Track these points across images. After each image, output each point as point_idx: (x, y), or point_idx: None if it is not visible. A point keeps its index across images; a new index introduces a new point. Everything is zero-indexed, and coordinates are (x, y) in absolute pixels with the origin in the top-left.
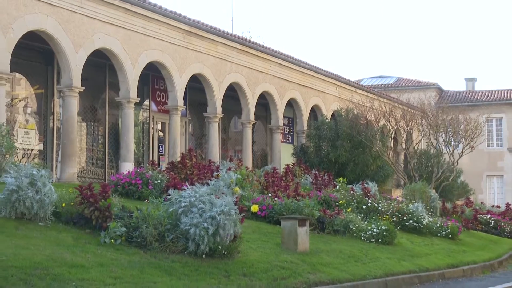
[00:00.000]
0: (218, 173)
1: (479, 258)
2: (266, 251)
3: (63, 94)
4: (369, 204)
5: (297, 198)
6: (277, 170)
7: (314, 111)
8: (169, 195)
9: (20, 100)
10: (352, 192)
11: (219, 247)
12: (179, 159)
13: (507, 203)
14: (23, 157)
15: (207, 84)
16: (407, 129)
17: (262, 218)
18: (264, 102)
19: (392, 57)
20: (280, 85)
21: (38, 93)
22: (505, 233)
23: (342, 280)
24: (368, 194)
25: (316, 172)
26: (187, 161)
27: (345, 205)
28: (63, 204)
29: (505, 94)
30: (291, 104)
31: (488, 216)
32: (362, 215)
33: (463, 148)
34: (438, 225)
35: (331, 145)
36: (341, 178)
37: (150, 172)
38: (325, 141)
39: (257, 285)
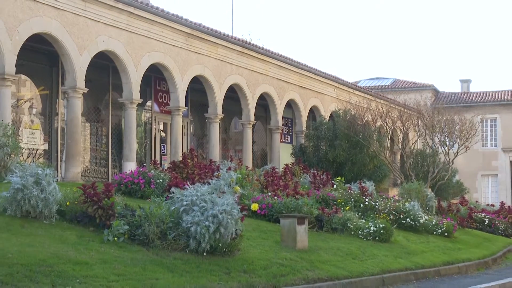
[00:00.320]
0: (219, 172)
1: (474, 255)
2: (266, 248)
3: (68, 95)
4: (366, 203)
5: (296, 197)
6: (276, 170)
7: (313, 112)
8: (172, 192)
9: (25, 101)
10: (349, 191)
11: (220, 244)
12: (180, 158)
13: (501, 201)
14: (28, 157)
15: (208, 85)
16: (404, 129)
17: (262, 217)
18: (264, 103)
19: (389, 59)
20: (279, 86)
21: (43, 94)
22: (499, 231)
23: (340, 277)
24: (366, 193)
25: (315, 171)
26: (189, 160)
27: (343, 203)
28: (68, 203)
29: (499, 95)
30: (290, 105)
31: (483, 214)
32: (359, 213)
33: (458, 148)
34: (433, 223)
35: (329, 145)
36: (339, 177)
37: (152, 171)
38: (323, 141)
39: (257, 282)
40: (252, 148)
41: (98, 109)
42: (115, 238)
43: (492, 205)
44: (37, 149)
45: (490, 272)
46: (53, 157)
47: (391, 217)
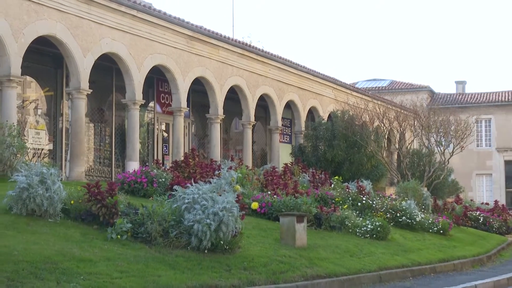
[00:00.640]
0: (220, 171)
1: (469, 253)
2: (266, 246)
3: (72, 96)
4: (364, 202)
5: (295, 195)
6: (276, 169)
7: (312, 113)
8: (174, 191)
9: (30, 102)
10: (347, 190)
11: (221, 242)
12: (182, 158)
13: (495, 200)
14: (33, 157)
15: (209, 86)
16: (400, 129)
17: (262, 215)
18: (264, 104)
19: (386, 61)
20: (279, 87)
21: (48, 95)
22: (494, 229)
23: (338, 274)
24: (363, 192)
25: (313, 170)
26: (190, 160)
27: (341, 202)
28: (72, 201)
29: (494, 96)
30: (290, 106)
31: (478, 212)
32: (357, 211)
33: (453, 148)
34: (429, 221)
35: (328, 145)
36: (337, 177)
37: (154, 170)
38: (322, 141)
39: (257, 279)
40: (252, 148)
41: (101, 109)
42: (119, 236)
43: (487, 204)
44: (42, 149)
45: (485, 269)
46: (58, 157)
47: (388, 215)
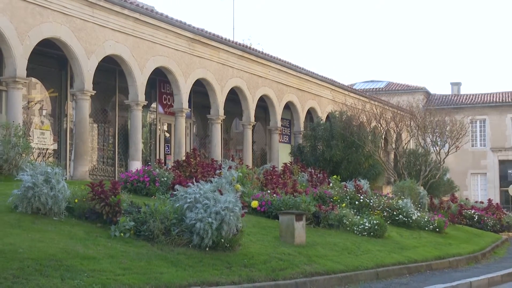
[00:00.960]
0: (221, 171)
1: (464, 250)
2: (265, 244)
3: (76, 97)
4: (361, 200)
5: (294, 194)
6: (275, 169)
7: (310, 113)
8: (176, 190)
9: (36, 103)
10: (345, 188)
11: (222, 240)
12: (184, 158)
13: (490, 199)
14: (38, 156)
15: (210, 88)
16: (397, 130)
17: (262, 213)
18: (264, 105)
19: (383, 63)
20: (278, 89)
21: (52, 96)
22: (488, 227)
23: (336, 271)
24: (360, 191)
25: (312, 170)
26: (192, 160)
27: (339, 201)
28: (76, 200)
29: (488, 97)
30: (289, 107)
31: (472, 211)
32: (354, 210)
33: (449, 148)
34: (425, 219)
35: (326, 145)
36: (335, 176)
37: (157, 170)
38: (320, 141)
39: (257, 276)
40: (252, 148)
41: (105, 110)
42: (122, 234)
43: (481, 202)
44: (47, 149)
45: (480, 266)
46: (62, 156)
47: (385, 213)
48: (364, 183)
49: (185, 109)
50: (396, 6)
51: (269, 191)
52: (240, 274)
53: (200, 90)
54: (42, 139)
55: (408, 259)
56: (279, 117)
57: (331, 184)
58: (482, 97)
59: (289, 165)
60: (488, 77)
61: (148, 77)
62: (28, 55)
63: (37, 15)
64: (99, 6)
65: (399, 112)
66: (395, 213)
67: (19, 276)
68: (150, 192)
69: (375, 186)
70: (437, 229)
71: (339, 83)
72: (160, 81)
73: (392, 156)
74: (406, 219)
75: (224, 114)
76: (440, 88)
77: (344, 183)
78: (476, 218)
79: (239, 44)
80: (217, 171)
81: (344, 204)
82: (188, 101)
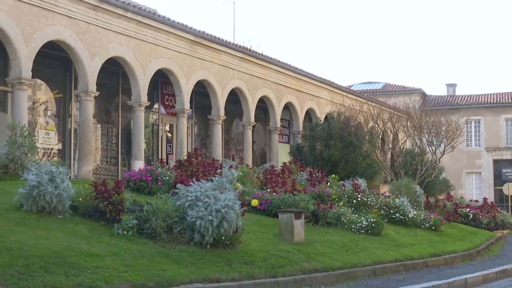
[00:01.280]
0: (221, 170)
1: (459, 248)
2: (265, 241)
3: (80, 98)
4: (359, 199)
5: (293, 193)
6: (275, 168)
7: (309, 114)
8: (178, 189)
9: (41, 104)
10: (343, 187)
11: (223, 238)
12: (185, 157)
13: (484, 197)
14: (43, 156)
15: (211, 89)
16: (394, 130)
17: (262, 212)
18: (263, 106)
19: (380, 65)
20: (277, 90)
21: (57, 97)
22: (483, 225)
23: (334, 268)
24: (358, 190)
25: (311, 169)
26: (193, 159)
27: (337, 199)
28: (80, 199)
29: (483, 98)
30: (288, 107)
31: (467, 209)
32: (352, 208)
33: (444, 148)
34: (422, 217)
35: (324, 145)
36: (333, 175)
37: (159, 169)
38: (319, 141)
39: (257, 273)
40: (252, 148)
41: (108, 111)
42: (125, 232)
43: (476, 201)
44: (52, 149)
45: (474, 264)
46: (67, 156)
47: (382, 212)
48: (361, 182)
49: (187, 110)
50: (393, 9)
51: (268, 190)
52: (240, 271)
53: (201, 91)
54: (47, 139)
55: (404, 257)
56: (278, 117)
57: (329, 183)
58: (477, 98)
59: (288, 164)
60: (483, 79)
61: (150, 78)
62: (33, 57)
63: (42, 18)
64: (102, 9)
65: (395, 112)
66: (392, 211)
67: (24, 273)
68: (152, 191)
69: (373, 185)
70: (433, 227)
71: (337, 85)
72: (162, 83)
73: (389, 155)
74: (402, 217)
75: (225, 115)
76: (436, 89)
77: (342, 182)
78: (471, 216)
79: (240, 47)
80: (218, 171)
81: (342, 203)
82: (190, 102)
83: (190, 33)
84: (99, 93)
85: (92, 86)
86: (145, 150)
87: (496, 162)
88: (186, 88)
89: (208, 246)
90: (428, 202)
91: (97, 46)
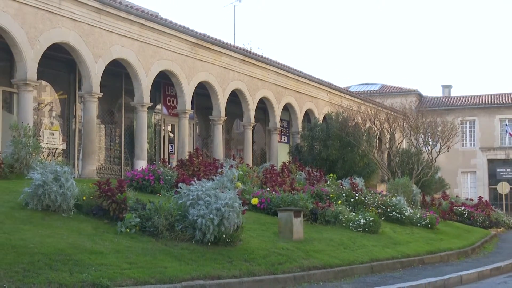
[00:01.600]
0: (222, 169)
1: (454, 245)
2: (265, 239)
3: (84, 99)
4: (356, 197)
5: (293, 192)
6: (274, 167)
7: (308, 115)
8: (180, 188)
9: (45, 105)
10: (341, 186)
11: (223, 235)
12: (187, 157)
13: (479, 196)
14: (48, 156)
15: (212, 90)
16: (390, 130)
17: (261, 210)
18: (263, 106)
19: (377, 66)
20: (277, 91)
21: (61, 98)
22: (478, 223)
23: (332, 265)
24: (356, 189)
25: (309, 169)
26: (194, 159)
27: (335, 198)
28: (84, 197)
29: (478, 99)
30: (287, 108)
31: (463, 208)
32: (350, 207)
33: (440, 148)
34: (418, 216)
35: (323, 144)
36: (331, 174)
37: (161, 169)
38: (317, 141)
39: (257, 270)
40: (252, 148)
41: (112, 112)
42: (128, 230)
43: (471, 200)
44: (56, 149)
45: (469, 261)
46: (71, 156)
47: (379, 210)
48: (359, 181)
49: (188, 111)
50: (390, 13)
51: (268, 189)
52: (241, 268)
53: (203, 92)
54: (52, 139)
55: (401, 254)
56: (278, 118)
57: (327, 182)
58: (472, 99)
59: (287, 164)
60: (478, 80)
61: (153, 80)
62: (38, 59)
63: (47, 21)
64: (106, 12)
65: (392, 113)
66: (389, 209)
67: (29, 270)
68: (154, 189)
69: (370, 184)
70: (429, 225)
71: (335, 86)
72: (164, 84)
73: (386, 155)
74: (399, 216)
75: (226, 115)
76: (431, 90)
77: (340, 181)
78: (466, 214)
79: (240, 49)
80: (219, 170)
81: (340, 201)
82: (191, 103)
83: (191, 35)
84: (102, 94)
85: (96, 87)
86: (147, 150)
87: (490, 161)
88: (187, 89)
89: (209, 244)
90: (424, 201)
91: (100, 48)
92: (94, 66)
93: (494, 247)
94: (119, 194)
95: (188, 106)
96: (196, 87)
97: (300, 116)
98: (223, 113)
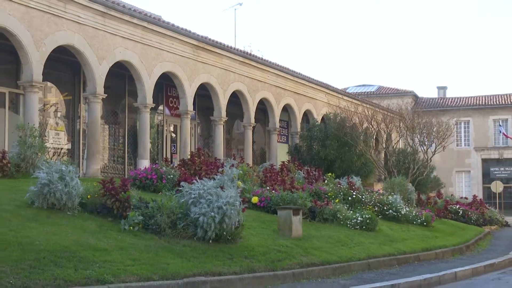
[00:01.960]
0: (223, 169)
1: (449, 242)
2: (265, 236)
3: (88, 100)
4: (354, 196)
5: (292, 190)
6: (274, 167)
7: (306, 115)
8: (182, 187)
9: (51, 106)
10: (339, 185)
11: (224, 233)
12: (189, 157)
13: (474, 195)
14: (53, 155)
15: (214, 91)
16: (387, 130)
17: (261, 208)
18: (263, 107)
19: (374, 68)
20: (276, 92)
21: (66, 99)
22: (472, 221)
23: (330, 262)
24: (353, 187)
25: (308, 168)
26: (196, 158)
27: (333, 196)
28: (88, 196)
29: (472, 100)
30: (286, 109)
31: (457, 206)
32: (348, 205)
33: (435, 147)
34: (414, 214)
35: (321, 144)
36: (329, 173)
37: (163, 168)
38: (316, 141)
39: (257, 266)
40: (252, 148)
41: (115, 112)
42: (131, 227)
43: (466, 198)
44: (61, 148)
45: (464, 258)
46: (76, 155)
47: (376, 208)
48: (356, 180)
49: (190, 111)
50: (386, 16)
51: (268, 188)
52: (241, 264)
53: (204, 93)
54: (57, 139)
55: (397, 251)
56: (277, 118)
57: (326, 181)
58: (466, 100)
59: (286, 163)
60: (472, 81)
61: (155, 81)
62: (44, 61)
63: (52, 24)
64: (110, 16)
65: (389, 114)
66: (385, 208)
67: (35, 266)
68: (157, 188)
69: (367, 183)
70: (425, 223)
71: (333, 87)
72: (166, 85)
73: (382, 155)
74: (395, 214)
75: (226, 116)
76: (427, 91)
77: (338, 180)
78: (461, 212)
79: (240, 51)
80: (220, 169)
81: (338, 200)
82: (193, 104)
83: (193, 38)
84: (106, 95)
85: (100, 89)
86: (150, 149)
87: (484, 161)
88: (189, 91)
89: (210, 241)
90: (419, 199)
91: (104, 51)
92: (98, 68)
93: (488, 245)
94: (122, 192)
95: (190, 107)
96: (197, 89)
97: (299, 116)
98: (224, 113)
